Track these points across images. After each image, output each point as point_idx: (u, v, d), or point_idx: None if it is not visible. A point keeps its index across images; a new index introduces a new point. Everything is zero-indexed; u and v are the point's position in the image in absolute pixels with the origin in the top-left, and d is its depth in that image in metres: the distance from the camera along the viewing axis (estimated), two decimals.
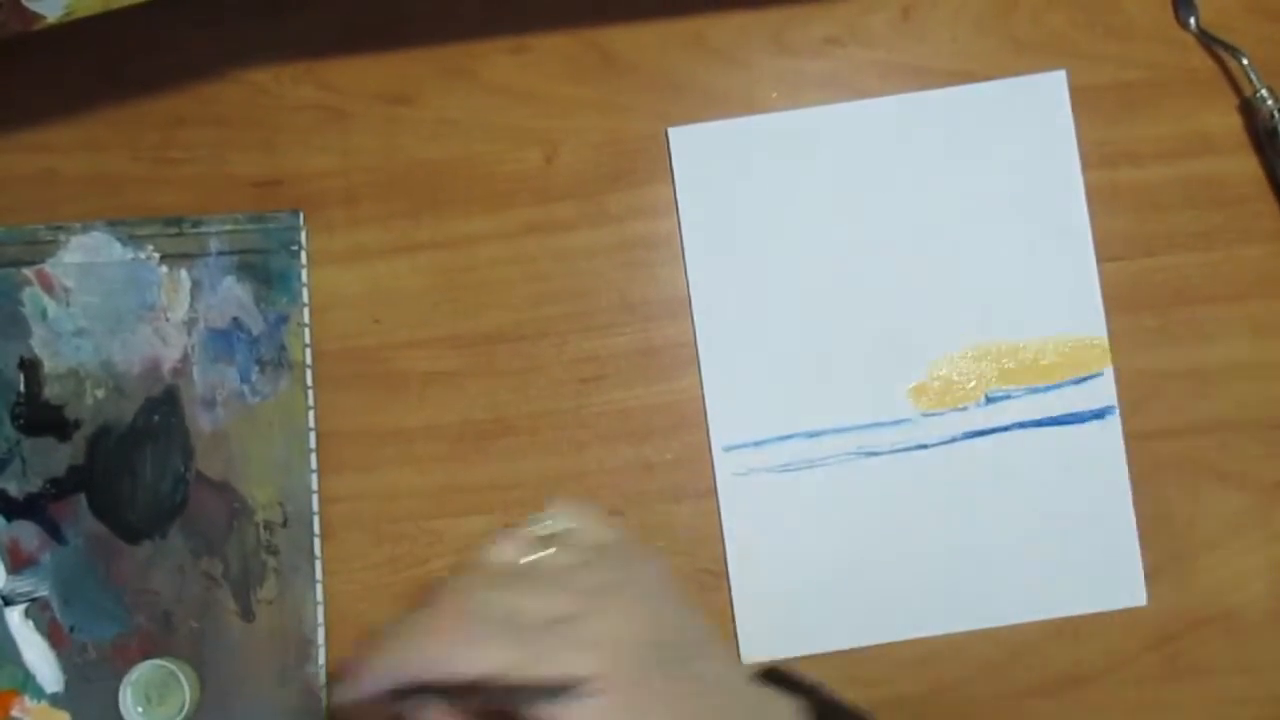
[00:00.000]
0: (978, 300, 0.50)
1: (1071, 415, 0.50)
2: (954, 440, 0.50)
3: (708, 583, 0.50)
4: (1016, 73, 0.51)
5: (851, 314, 0.50)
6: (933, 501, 0.50)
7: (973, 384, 0.50)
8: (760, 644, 0.49)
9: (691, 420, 0.50)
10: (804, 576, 0.49)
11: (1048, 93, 0.51)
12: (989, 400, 0.50)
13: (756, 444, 0.50)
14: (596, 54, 0.52)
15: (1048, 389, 0.50)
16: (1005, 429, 0.50)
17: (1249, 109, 0.51)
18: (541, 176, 0.51)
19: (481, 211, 0.51)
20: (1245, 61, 0.51)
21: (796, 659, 0.47)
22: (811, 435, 0.50)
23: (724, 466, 0.50)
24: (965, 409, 0.50)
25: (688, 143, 0.51)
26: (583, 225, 0.51)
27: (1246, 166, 0.51)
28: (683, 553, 0.50)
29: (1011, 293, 0.50)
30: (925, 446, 0.50)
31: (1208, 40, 0.52)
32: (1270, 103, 0.50)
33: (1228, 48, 0.51)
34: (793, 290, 0.51)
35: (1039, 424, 0.50)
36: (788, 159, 0.51)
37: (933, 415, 0.50)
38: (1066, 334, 0.50)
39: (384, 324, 0.51)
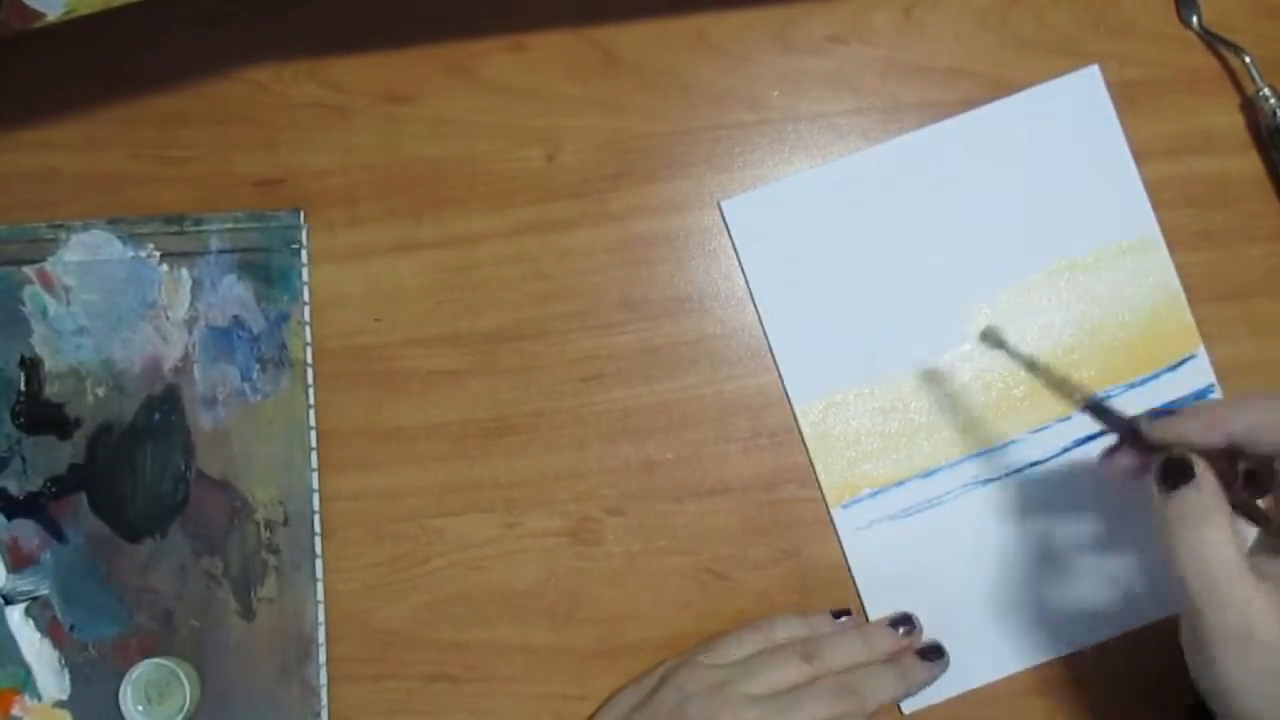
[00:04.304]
0: (1060, 307, 0.50)
1: (1174, 402, 0.49)
2: (1066, 450, 0.49)
3: (708, 583, 0.50)
4: (1018, 71, 0.51)
5: (933, 346, 0.50)
6: (1062, 514, 0.49)
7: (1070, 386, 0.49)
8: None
9: (692, 419, 0.50)
10: (940, 615, 0.48)
11: (1084, 89, 0.51)
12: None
13: (873, 494, 0.49)
14: (598, 52, 0.52)
15: (1145, 380, 0.49)
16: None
17: (1251, 108, 0.51)
18: (543, 175, 0.51)
19: (483, 210, 0.51)
20: (1248, 60, 0.51)
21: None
22: (925, 475, 0.49)
23: (844, 523, 0.49)
24: (1069, 418, 0.49)
25: (741, 211, 0.51)
26: (584, 224, 0.51)
27: (1248, 165, 0.51)
28: (683, 552, 0.50)
29: (1094, 293, 0.50)
30: (1039, 463, 0.49)
31: (1210, 39, 0.52)
32: (1273, 102, 0.50)
33: (1230, 46, 0.51)
34: (869, 327, 0.50)
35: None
36: (842, 205, 0.50)
37: (1039, 430, 0.49)
38: (1151, 307, 0.50)
39: (385, 322, 0.51)
